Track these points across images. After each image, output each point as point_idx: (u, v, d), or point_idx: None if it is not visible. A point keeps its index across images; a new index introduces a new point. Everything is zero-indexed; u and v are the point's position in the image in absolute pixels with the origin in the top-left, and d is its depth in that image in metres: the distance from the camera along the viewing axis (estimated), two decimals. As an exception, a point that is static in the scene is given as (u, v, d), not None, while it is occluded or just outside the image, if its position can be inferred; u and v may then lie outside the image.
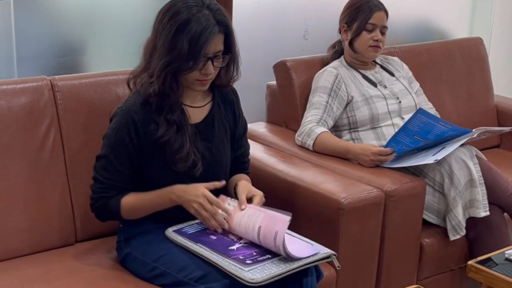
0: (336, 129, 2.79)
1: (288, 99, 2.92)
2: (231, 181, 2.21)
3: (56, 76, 2.32)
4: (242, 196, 2.06)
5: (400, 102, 2.81)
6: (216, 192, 2.13)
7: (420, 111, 2.46)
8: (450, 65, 3.36)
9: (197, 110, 2.13)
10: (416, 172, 2.55)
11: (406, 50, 3.22)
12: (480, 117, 3.40)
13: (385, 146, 2.54)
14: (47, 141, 2.24)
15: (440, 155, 2.40)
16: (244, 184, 2.14)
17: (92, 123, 2.31)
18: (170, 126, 2.02)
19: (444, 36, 3.72)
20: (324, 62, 2.94)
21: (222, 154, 2.16)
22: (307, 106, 2.77)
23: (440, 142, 2.51)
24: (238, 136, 2.24)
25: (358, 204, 2.25)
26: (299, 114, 2.86)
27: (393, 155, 2.51)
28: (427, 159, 2.42)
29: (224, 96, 2.20)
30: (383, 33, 2.82)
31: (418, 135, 2.47)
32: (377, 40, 2.80)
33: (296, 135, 2.73)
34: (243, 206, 2.03)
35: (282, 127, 2.98)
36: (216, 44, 1.99)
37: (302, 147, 2.70)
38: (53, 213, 2.24)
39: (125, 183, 2.06)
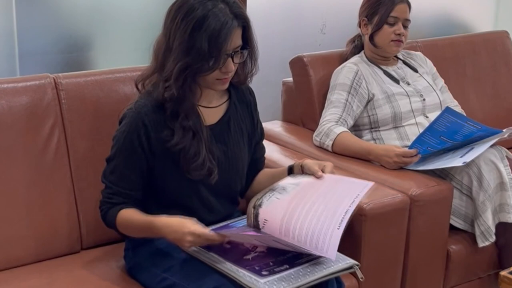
0: (356, 129, 2.65)
1: (305, 96, 2.79)
2: (258, 181, 2.11)
3: (60, 74, 2.20)
4: (314, 167, 1.93)
5: (424, 99, 2.67)
6: (231, 199, 2.03)
7: (447, 110, 2.31)
8: (475, 59, 3.21)
9: (213, 110, 1.99)
10: (442, 174, 2.40)
11: (429, 44, 3.06)
12: (506, 114, 3.25)
13: (410, 147, 2.39)
14: (51, 142, 2.12)
15: (468, 157, 2.25)
16: (307, 160, 1.99)
17: (98, 123, 2.19)
18: (186, 133, 1.88)
19: (467, 30, 3.57)
20: (343, 58, 2.80)
21: (238, 157, 2.03)
22: (326, 105, 2.63)
23: (468, 142, 2.36)
24: (255, 143, 2.11)
25: (382, 210, 2.11)
26: (316, 113, 2.73)
27: (418, 156, 2.36)
28: (455, 161, 2.27)
29: (241, 95, 2.06)
30: (405, 27, 2.68)
31: (445, 135, 2.32)
32: (399, 34, 2.66)
33: (314, 135, 2.59)
34: (318, 174, 1.90)
35: (299, 126, 2.85)
36: (236, 39, 1.85)
37: (321, 147, 2.56)
38: (57, 219, 2.12)
39: (133, 190, 1.93)
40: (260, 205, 1.90)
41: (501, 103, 3.26)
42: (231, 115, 2.02)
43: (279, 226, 1.83)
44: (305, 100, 2.79)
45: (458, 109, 2.80)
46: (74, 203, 2.16)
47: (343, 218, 1.77)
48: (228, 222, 2.03)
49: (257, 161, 2.14)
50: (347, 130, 2.53)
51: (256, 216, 1.88)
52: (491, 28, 3.65)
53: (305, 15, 3.10)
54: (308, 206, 1.84)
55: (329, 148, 2.52)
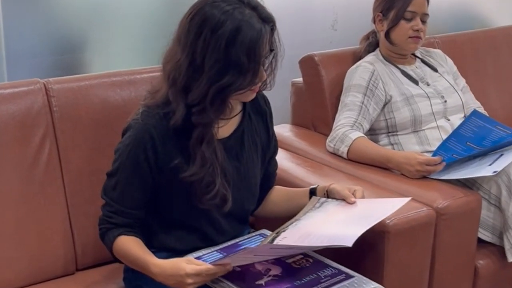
0: (372, 133, 2.45)
1: (316, 98, 2.59)
2: (273, 201, 1.96)
3: (51, 79, 2.01)
4: (345, 191, 1.81)
5: (445, 101, 2.47)
6: (242, 219, 1.88)
7: (474, 114, 2.11)
8: (496, 56, 3.02)
9: (225, 122, 1.79)
10: (468, 183, 2.20)
11: (448, 41, 2.86)
12: (528, 112, 3.05)
13: (434, 154, 2.19)
14: (41, 154, 1.94)
15: (499, 166, 2.05)
16: (334, 185, 1.86)
17: (94, 132, 2.01)
18: (204, 163, 1.69)
19: (486, 24, 3.36)
20: (357, 56, 2.60)
21: (251, 175, 1.85)
22: (340, 107, 2.44)
23: (496, 148, 2.16)
24: (269, 157, 1.94)
25: (406, 225, 1.91)
26: (329, 116, 2.54)
27: (442, 164, 2.16)
28: (484, 170, 2.07)
29: (256, 105, 1.88)
30: (424, 22, 2.48)
31: (471, 141, 2.12)
32: (417, 30, 2.46)
33: (328, 140, 2.39)
34: (352, 199, 1.78)
35: (310, 130, 2.65)
36: (267, 46, 1.67)
37: (335, 154, 2.37)
38: (50, 238, 1.95)
39: (135, 208, 1.75)
40: (284, 231, 1.74)
41: (523, 102, 3.08)
42: (245, 128, 1.84)
43: (296, 238, 1.67)
44: (316, 102, 2.60)
45: (482, 110, 2.61)
46: (68, 220, 1.99)
47: (372, 222, 1.68)
48: (237, 240, 1.86)
49: (269, 176, 1.97)
50: (363, 135, 2.34)
51: (275, 238, 1.71)
52: (509, 22, 3.44)
53: (315, 10, 2.92)
54: (335, 223, 1.71)
55: (344, 155, 2.32)
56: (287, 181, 2.14)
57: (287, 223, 1.78)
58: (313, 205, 1.85)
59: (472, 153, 2.15)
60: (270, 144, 1.94)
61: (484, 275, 2.19)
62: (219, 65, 1.61)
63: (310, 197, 1.90)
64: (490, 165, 2.09)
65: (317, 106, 2.60)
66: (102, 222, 1.78)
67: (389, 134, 2.44)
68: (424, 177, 2.18)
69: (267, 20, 1.66)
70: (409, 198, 1.77)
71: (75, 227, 1.99)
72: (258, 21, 1.63)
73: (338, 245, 1.62)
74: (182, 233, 1.81)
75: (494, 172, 2.04)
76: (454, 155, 2.15)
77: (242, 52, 1.60)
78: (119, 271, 1.90)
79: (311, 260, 1.76)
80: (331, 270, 1.72)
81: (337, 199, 1.84)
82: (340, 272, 1.71)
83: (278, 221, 1.90)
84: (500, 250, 2.21)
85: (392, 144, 2.44)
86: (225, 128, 1.80)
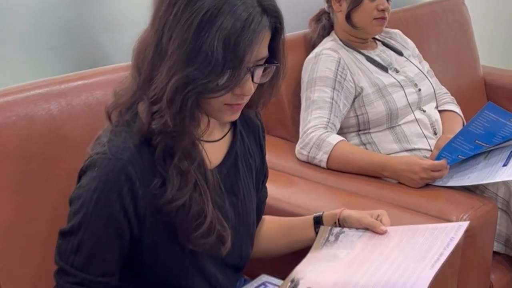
0: (339, 132, 2.07)
1: (269, 95, 2.17)
2: (268, 236, 1.56)
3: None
4: (368, 218, 1.43)
5: (419, 90, 2.15)
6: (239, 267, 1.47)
7: (489, 107, 1.77)
8: (438, 33, 2.75)
9: (215, 145, 1.36)
10: (470, 186, 1.89)
11: (394, 18, 2.50)
12: (472, 93, 2.84)
13: (438, 157, 1.84)
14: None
15: (521, 166, 1.74)
16: (349, 210, 1.48)
17: (22, 167, 1.46)
18: (184, 182, 1.23)
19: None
20: (310, 42, 2.21)
21: (249, 210, 1.43)
22: (305, 105, 2.04)
23: (502, 143, 1.86)
24: (261, 182, 1.52)
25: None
26: (286, 115, 2.16)
27: (447, 169, 1.83)
28: (503, 173, 1.74)
29: (246, 119, 1.45)
30: (388, 0, 2.14)
31: (481, 139, 1.80)
32: (383, 10, 2.11)
33: (299, 147, 1.99)
34: (382, 228, 1.41)
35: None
36: (262, 47, 1.20)
37: (309, 163, 1.97)
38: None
39: (108, 275, 1.26)
40: (302, 277, 1.32)
41: (465, 81, 2.84)
42: (238, 151, 1.40)
43: (331, 285, 1.28)
44: (270, 100, 2.17)
45: (448, 97, 2.32)
46: (-3, 291, 1.45)
47: (437, 259, 1.29)
48: None
49: (260, 206, 1.54)
50: (343, 138, 1.95)
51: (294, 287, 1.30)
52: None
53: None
54: (379, 263, 1.31)
55: (323, 164, 1.93)
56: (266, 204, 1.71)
57: (299, 266, 1.37)
58: (325, 239, 1.45)
59: (478, 151, 1.84)
60: (263, 166, 1.52)
61: (498, 290, 1.91)
62: (184, 50, 1.15)
63: (315, 228, 1.50)
64: (505, 165, 1.78)
65: (271, 104, 2.15)
66: None
67: (360, 132, 2.09)
68: (427, 185, 1.84)
69: (269, 11, 1.20)
70: (466, 223, 1.40)
71: (7, 299, 1.47)
72: (252, 7, 1.17)
73: None
74: None
75: (520, 175, 1.72)
76: (459, 156, 1.83)
77: (217, 40, 1.14)
78: None
79: None
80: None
81: (356, 228, 1.46)
82: None
83: (270, 262, 1.51)
84: (507, 259, 1.93)
85: (364, 144, 2.08)
86: (216, 153, 1.36)
